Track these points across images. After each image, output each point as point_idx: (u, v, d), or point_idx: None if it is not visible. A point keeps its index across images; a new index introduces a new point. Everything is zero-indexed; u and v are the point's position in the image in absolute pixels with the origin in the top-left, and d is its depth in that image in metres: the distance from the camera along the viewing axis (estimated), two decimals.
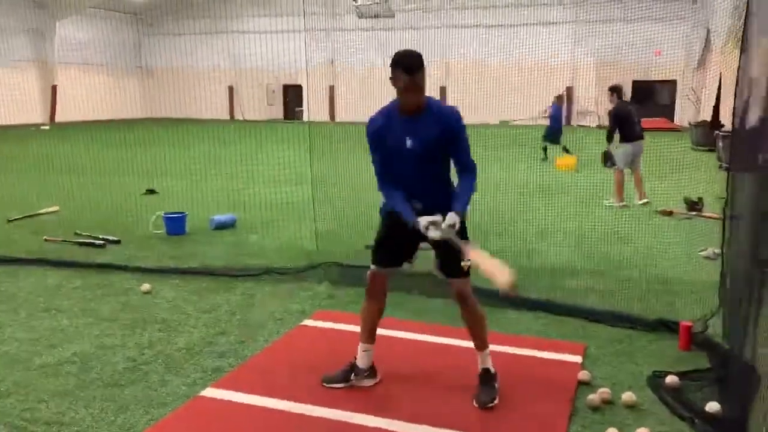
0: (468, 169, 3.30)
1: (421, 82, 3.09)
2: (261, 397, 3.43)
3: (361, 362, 3.57)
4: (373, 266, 3.52)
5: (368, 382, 3.58)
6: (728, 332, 3.89)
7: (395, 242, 3.46)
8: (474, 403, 3.33)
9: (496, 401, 3.34)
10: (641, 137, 9.21)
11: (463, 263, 3.23)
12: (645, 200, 9.16)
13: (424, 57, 3.12)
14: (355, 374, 3.56)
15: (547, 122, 15.64)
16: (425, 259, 3.64)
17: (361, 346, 3.58)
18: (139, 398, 3.44)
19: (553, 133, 15.06)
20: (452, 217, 3.13)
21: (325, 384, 3.55)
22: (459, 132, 3.22)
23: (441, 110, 3.22)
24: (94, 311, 4.80)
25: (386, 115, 3.26)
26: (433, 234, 3.14)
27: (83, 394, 3.49)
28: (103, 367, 3.83)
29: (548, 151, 14.64)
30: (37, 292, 5.27)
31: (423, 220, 3.14)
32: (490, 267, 3.05)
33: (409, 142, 3.18)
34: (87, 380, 3.65)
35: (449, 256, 3.27)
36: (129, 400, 3.41)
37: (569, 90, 29.13)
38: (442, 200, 3.25)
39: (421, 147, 3.18)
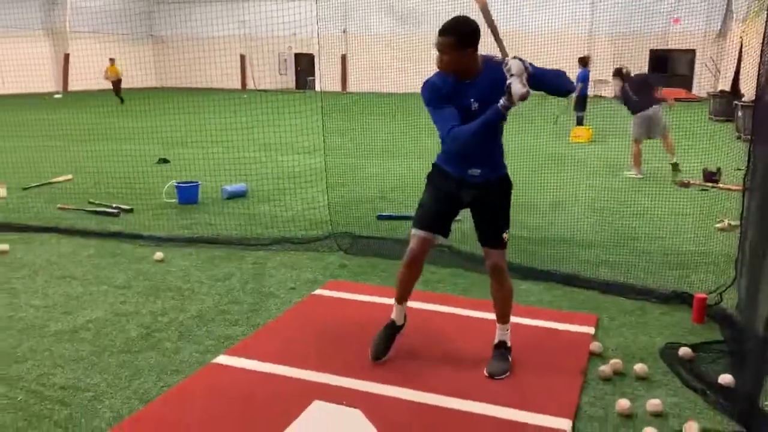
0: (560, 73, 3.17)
1: (445, 47, 3.03)
2: (273, 364, 3.45)
3: (399, 319, 3.59)
4: (419, 231, 3.38)
5: (400, 333, 3.64)
6: (744, 305, 3.86)
7: (445, 209, 3.39)
8: (485, 371, 3.34)
9: (507, 374, 3.34)
10: (642, 108, 9.15)
11: (503, 234, 3.27)
12: (674, 161, 9.16)
13: (436, 26, 3.05)
14: (398, 333, 3.59)
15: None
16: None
17: (397, 306, 3.58)
18: (152, 365, 3.47)
19: (583, 99, 14.39)
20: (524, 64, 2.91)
21: (376, 360, 3.49)
22: (533, 67, 3.01)
23: (495, 67, 3.06)
24: (108, 279, 4.84)
25: (441, 78, 3.16)
26: (517, 95, 2.87)
27: (98, 360, 3.53)
28: (117, 334, 3.87)
29: (563, 119, 14.30)
30: (52, 259, 5.31)
31: (503, 100, 2.92)
32: None
33: (474, 105, 3.11)
34: (101, 347, 3.69)
35: (490, 224, 3.30)
36: (143, 367, 3.45)
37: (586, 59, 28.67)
38: (498, 162, 3.30)
39: (486, 109, 3.04)
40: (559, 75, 3.18)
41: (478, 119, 3.03)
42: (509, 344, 3.47)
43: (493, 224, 3.33)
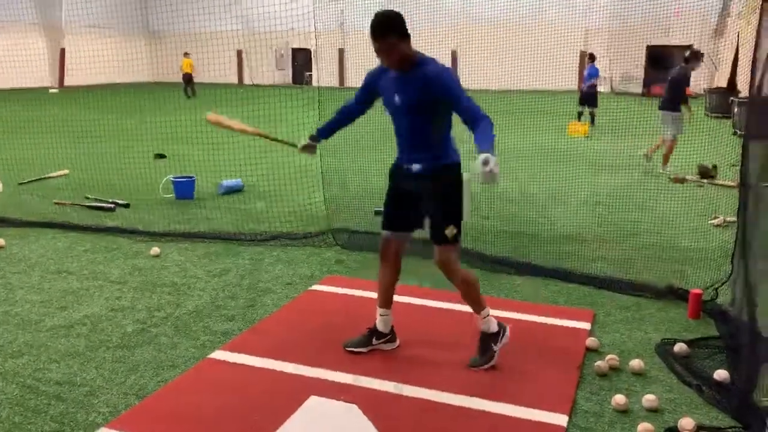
0: (477, 118, 3.07)
1: (385, 48, 3.08)
2: (270, 359, 3.45)
3: (381, 326, 3.58)
4: (383, 231, 3.51)
5: (389, 346, 3.59)
6: (739, 301, 3.87)
7: (401, 205, 3.44)
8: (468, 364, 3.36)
9: (488, 365, 3.34)
10: (661, 107, 9.11)
11: (447, 231, 3.22)
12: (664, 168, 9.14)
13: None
14: (377, 338, 3.57)
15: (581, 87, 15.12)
16: None
17: (378, 311, 3.57)
18: (148, 360, 3.47)
19: (593, 95, 14.48)
20: (482, 157, 2.89)
21: (347, 348, 3.55)
22: (448, 90, 3.10)
23: (427, 70, 3.15)
24: (104, 274, 4.83)
25: (384, 68, 3.30)
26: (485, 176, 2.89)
27: (94, 355, 3.52)
28: (114, 329, 3.87)
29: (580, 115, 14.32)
30: (48, 254, 5.30)
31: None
32: None
33: (397, 98, 3.22)
34: (97, 342, 3.69)
35: (432, 218, 3.31)
36: (139, 362, 3.45)
37: (583, 54, 28.68)
38: (439, 153, 3.27)
39: (406, 104, 3.20)
40: (490, 132, 3.06)
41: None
42: (493, 330, 3.40)
43: (436, 219, 3.27)
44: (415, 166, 3.29)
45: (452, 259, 3.33)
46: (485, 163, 2.85)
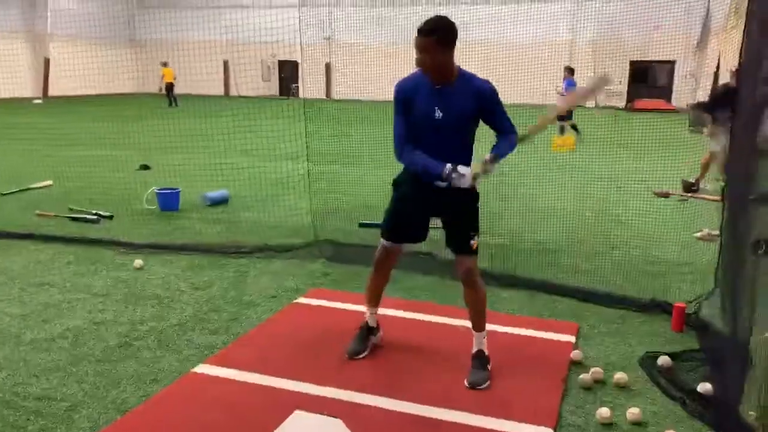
0: (510, 132, 3.28)
1: (426, 47, 3.06)
2: (254, 373, 3.42)
3: (372, 322, 3.71)
4: (384, 241, 3.51)
5: (377, 338, 3.74)
6: (722, 314, 3.90)
7: (408, 215, 3.45)
8: (466, 383, 3.33)
9: (488, 383, 3.34)
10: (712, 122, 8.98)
11: (472, 241, 3.29)
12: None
13: (425, 27, 3.08)
14: (372, 334, 3.70)
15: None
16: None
17: (369, 310, 3.70)
18: (131, 374, 3.43)
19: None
20: (485, 157, 3.09)
21: (351, 358, 3.59)
22: (495, 104, 3.20)
23: (473, 82, 3.18)
24: (87, 286, 4.78)
25: (415, 80, 3.23)
26: (458, 182, 3.11)
27: (75, 369, 3.47)
28: (96, 342, 3.82)
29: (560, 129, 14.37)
30: (30, 266, 5.23)
31: (449, 165, 3.11)
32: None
33: (438, 114, 3.15)
34: (79, 356, 3.64)
35: (458, 231, 3.32)
36: (121, 376, 3.40)
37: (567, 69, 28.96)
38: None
39: (450, 119, 3.16)
40: (511, 147, 3.29)
41: (422, 161, 3.18)
42: (487, 353, 3.47)
43: (462, 231, 3.34)
44: (442, 184, 3.25)
45: (476, 268, 3.39)
46: (484, 162, 3.13)
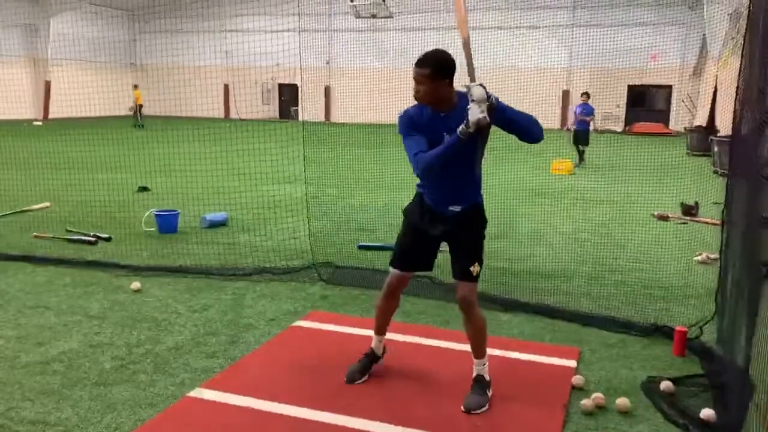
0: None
1: (418, 77, 3.10)
2: (250, 398, 3.37)
3: (378, 350, 3.70)
4: (394, 269, 3.52)
5: (378, 365, 3.73)
6: (724, 338, 3.87)
7: (422, 246, 3.45)
8: (462, 406, 3.29)
9: (484, 409, 3.29)
10: None
11: (471, 268, 3.26)
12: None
13: (420, 59, 3.10)
14: (376, 362, 3.69)
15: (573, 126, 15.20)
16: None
17: (376, 337, 3.69)
18: (126, 398, 3.38)
19: (586, 132, 14.63)
20: (491, 97, 2.96)
21: (349, 383, 3.56)
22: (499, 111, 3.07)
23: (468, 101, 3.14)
24: (83, 309, 4.74)
25: (418, 109, 3.25)
26: (473, 113, 2.92)
27: (70, 393, 3.43)
28: (91, 365, 3.77)
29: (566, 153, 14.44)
30: (26, 288, 5.20)
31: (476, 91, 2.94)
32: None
33: (447, 139, 3.13)
34: (74, 379, 3.59)
35: (461, 256, 3.32)
36: (116, 400, 3.35)
37: (566, 93, 29.22)
38: (475, 192, 3.33)
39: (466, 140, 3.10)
40: (531, 121, 3.20)
41: (437, 150, 3.10)
42: (488, 378, 3.43)
43: (464, 256, 3.33)
44: (456, 208, 3.28)
45: (474, 296, 3.36)
46: (487, 99, 2.93)
